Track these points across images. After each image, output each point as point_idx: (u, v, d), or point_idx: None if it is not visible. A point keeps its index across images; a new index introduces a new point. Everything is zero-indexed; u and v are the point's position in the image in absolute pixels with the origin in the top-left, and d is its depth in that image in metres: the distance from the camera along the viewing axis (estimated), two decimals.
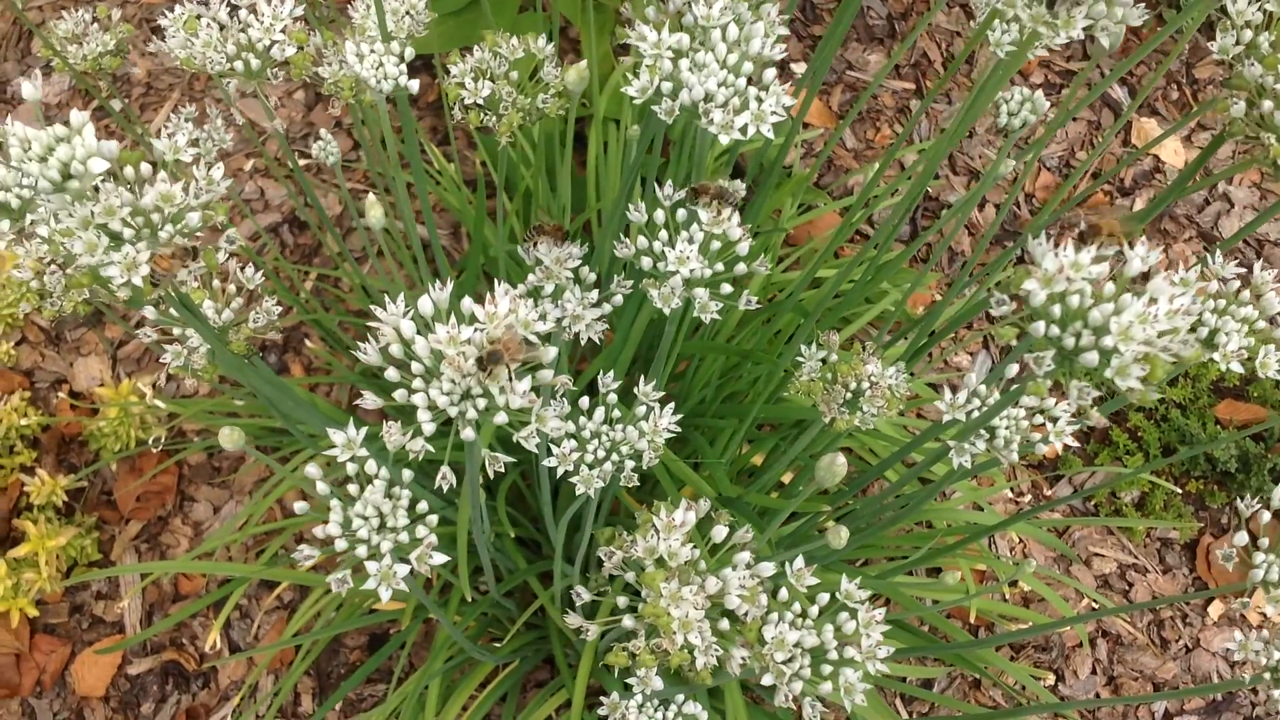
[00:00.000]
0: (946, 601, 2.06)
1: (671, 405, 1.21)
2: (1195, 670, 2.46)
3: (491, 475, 0.97)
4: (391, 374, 0.91)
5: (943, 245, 1.73)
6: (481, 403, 0.91)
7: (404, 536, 1.01)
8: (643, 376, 1.23)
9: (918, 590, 2.12)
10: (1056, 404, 1.21)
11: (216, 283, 1.26)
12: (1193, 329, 1.16)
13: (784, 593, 1.07)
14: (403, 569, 0.99)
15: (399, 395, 0.90)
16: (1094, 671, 2.45)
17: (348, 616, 2.13)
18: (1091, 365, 0.90)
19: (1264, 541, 1.23)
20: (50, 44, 1.60)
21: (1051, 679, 2.43)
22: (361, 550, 1.01)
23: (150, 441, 2.10)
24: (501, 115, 1.30)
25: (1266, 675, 1.38)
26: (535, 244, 1.23)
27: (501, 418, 0.91)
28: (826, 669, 1.03)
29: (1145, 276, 0.94)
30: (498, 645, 2.03)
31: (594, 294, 1.24)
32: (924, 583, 2.17)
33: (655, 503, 1.05)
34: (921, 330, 1.80)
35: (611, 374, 1.21)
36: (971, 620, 2.35)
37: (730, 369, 2.15)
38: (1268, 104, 1.03)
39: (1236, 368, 1.15)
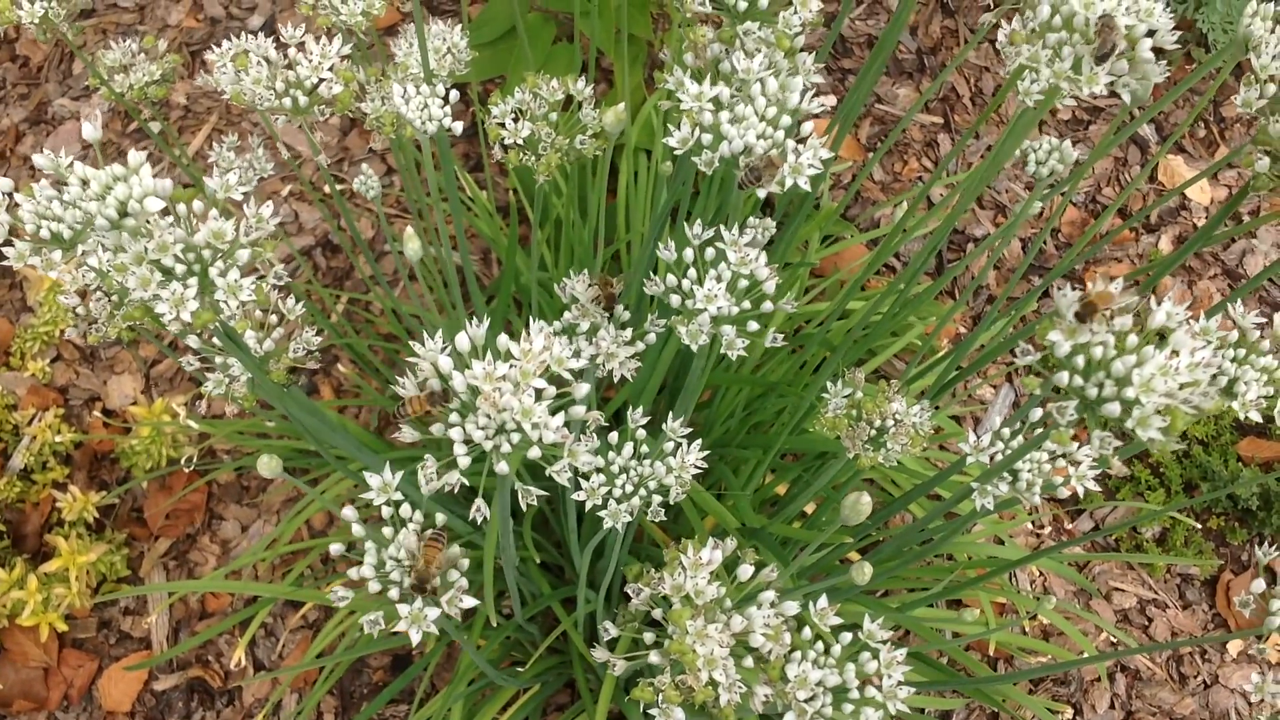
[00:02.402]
0: (967, 635, 2.07)
1: (699, 441, 1.24)
2: (1213, 706, 2.46)
3: (525, 507, 0.99)
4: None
5: (974, 285, 1.75)
6: (516, 437, 0.93)
7: (436, 580, 1.03)
8: (670, 411, 1.25)
9: (938, 622, 2.13)
10: (1079, 448, 1.23)
11: (258, 313, 1.29)
12: (1212, 379, 1.18)
13: (807, 629, 1.09)
14: (433, 612, 1.02)
15: (436, 429, 0.93)
16: (1112, 706, 2.45)
17: (371, 638, 2.15)
18: (1113, 416, 0.92)
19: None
20: (98, 73, 1.64)
21: (1070, 713, 2.43)
22: (394, 593, 1.04)
23: (182, 461, 2.13)
24: (540, 155, 1.33)
25: None
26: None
27: (535, 452, 0.94)
28: (848, 708, 1.05)
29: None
30: (520, 670, 2.05)
31: (627, 332, 1.27)
32: (944, 615, 2.18)
33: (683, 540, 1.07)
34: (949, 365, 1.82)
35: (640, 410, 1.23)
36: (991, 653, 2.36)
37: (755, 399, 2.17)
38: None
39: (1255, 416, 1.17)
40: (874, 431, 1.43)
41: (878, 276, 2.69)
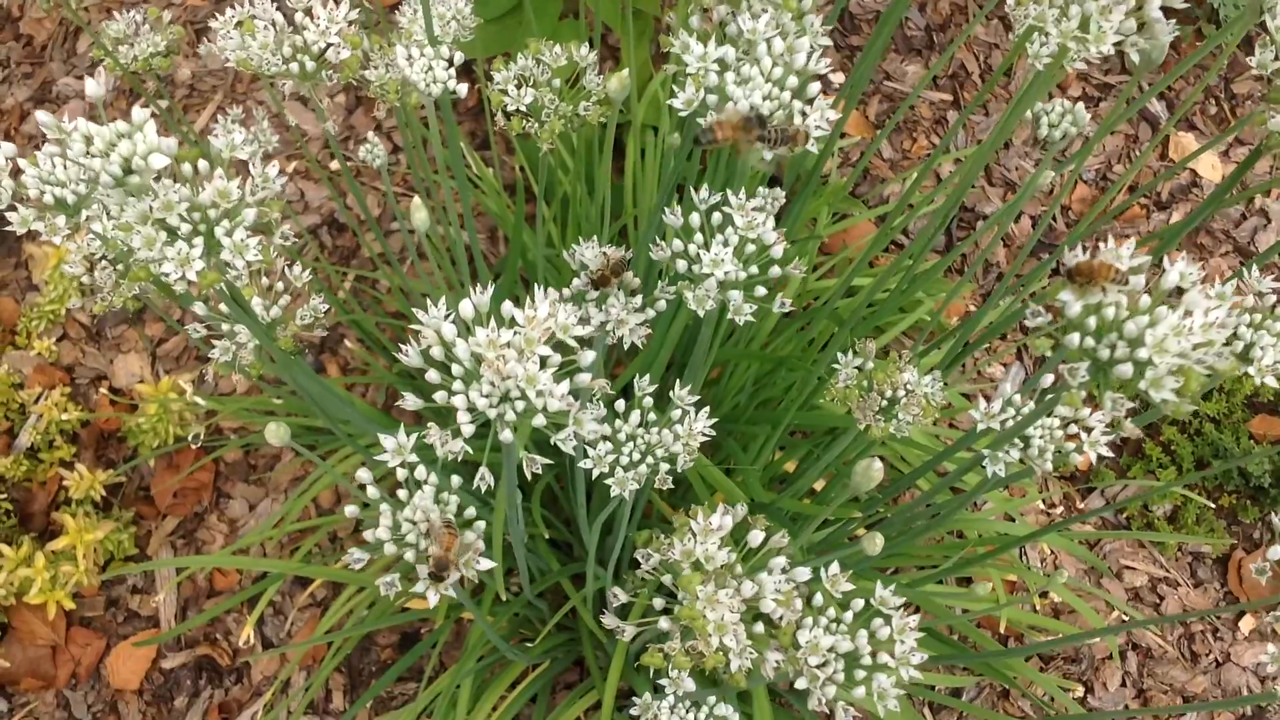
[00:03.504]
0: (977, 611, 2.07)
1: (706, 409, 1.23)
2: (1226, 685, 2.45)
3: (529, 477, 0.98)
4: (432, 376, 0.93)
5: (980, 258, 1.74)
6: (520, 405, 0.92)
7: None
8: (678, 381, 1.24)
9: (949, 599, 2.12)
10: (1091, 414, 1.22)
11: (265, 280, 1.28)
12: (1228, 343, 1.17)
13: (818, 598, 1.08)
14: (452, 574, 1.01)
15: (439, 397, 0.92)
16: (1124, 684, 2.44)
17: (380, 614, 2.15)
18: (1126, 377, 0.90)
19: None
20: (102, 44, 1.63)
21: (1081, 691, 2.43)
22: (410, 555, 1.03)
23: (189, 438, 2.13)
24: (543, 122, 1.32)
25: None
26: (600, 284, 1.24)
27: (540, 420, 0.93)
28: (860, 674, 1.04)
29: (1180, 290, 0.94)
30: (529, 645, 2.04)
31: (637, 299, 1.26)
32: (955, 592, 2.18)
33: (693, 507, 1.06)
34: (958, 340, 1.81)
35: (647, 378, 1.22)
36: (1002, 630, 2.35)
37: (764, 376, 2.16)
38: None
39: (1271, 382, 1.16)
40: (885, 402, 1.42)
41: (885, 254, 2.68)
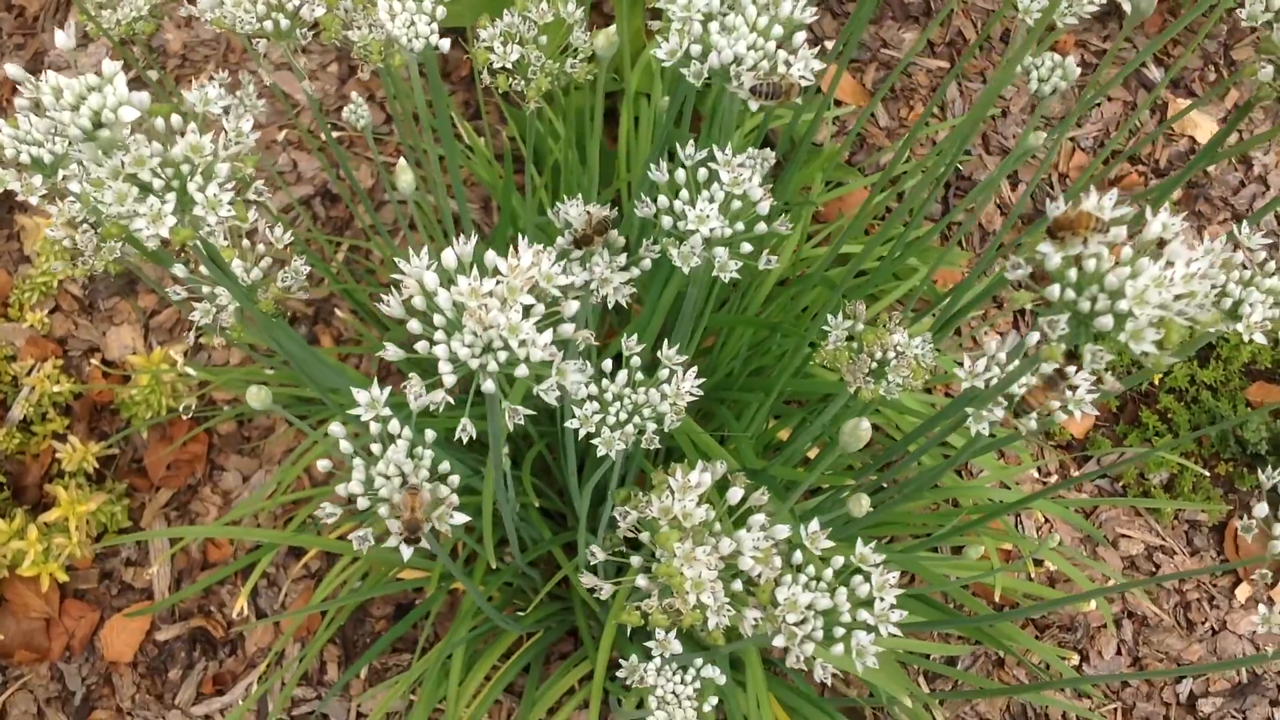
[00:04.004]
0: (967, 577, 2.06)
1: (694, 370, 1.22)
2: (1221, 653, 2.45)
3: (511, 427, 0.97)
4: (414, 326, 0.92)
5: (970, 221, 1.73)
6: (503, 355, 0.91)
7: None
8: (665, 341, 1.23)
9: (941, 566, 2.12)
10: (1076, 372, 1.20)
11: (246, 243, 1.27)
12: (1216, 300, 1.16)
13: (798, 556, 1.07)
14: (422, 531, 1.00)
15: (420, 347, 0.91)
16: (1119, 652, 2.44)
17: (373, 584, 2.14)
18: (1106, 329, 0.90)
19: None
20: (85, 9, 1.62)
21: (1076, 659, 2.42)
22: (384, 509, 1.02)
23: (180, 409, 2.12)
24: (530, 80, 1.31)
25: None
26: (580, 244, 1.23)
27: (523, 370, 0.92)
28: (839, 632, 1.04)
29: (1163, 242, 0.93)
30: (521, 615, 2.04)
31: (622, 258, 1.25)
32: (948, 559, 2.17)
33: (672, 464, 1.05)
34: (949, 305, 1.80)
35: (635, 337, 1.22)
36: (996, 598, 2.35)
37: (757, 344, 2.16)
38: None
39: (1260, 338, 1.15)
40: (875, 364, 1.42)
41: (881, 221, 2.66)
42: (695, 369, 1.21)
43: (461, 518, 1.01)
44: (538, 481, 2.08)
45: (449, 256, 0.92)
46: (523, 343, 0.91)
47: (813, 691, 2.10)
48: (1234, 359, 2.58)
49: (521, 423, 0.98)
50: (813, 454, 2.22)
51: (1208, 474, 2.54)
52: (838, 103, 2.78)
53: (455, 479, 1.04)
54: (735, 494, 1.06)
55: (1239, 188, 2.80)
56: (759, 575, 1.03)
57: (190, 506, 2.45)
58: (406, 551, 0.99)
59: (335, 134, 2.74)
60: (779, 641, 1.02)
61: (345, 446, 1.04)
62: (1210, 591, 2.50)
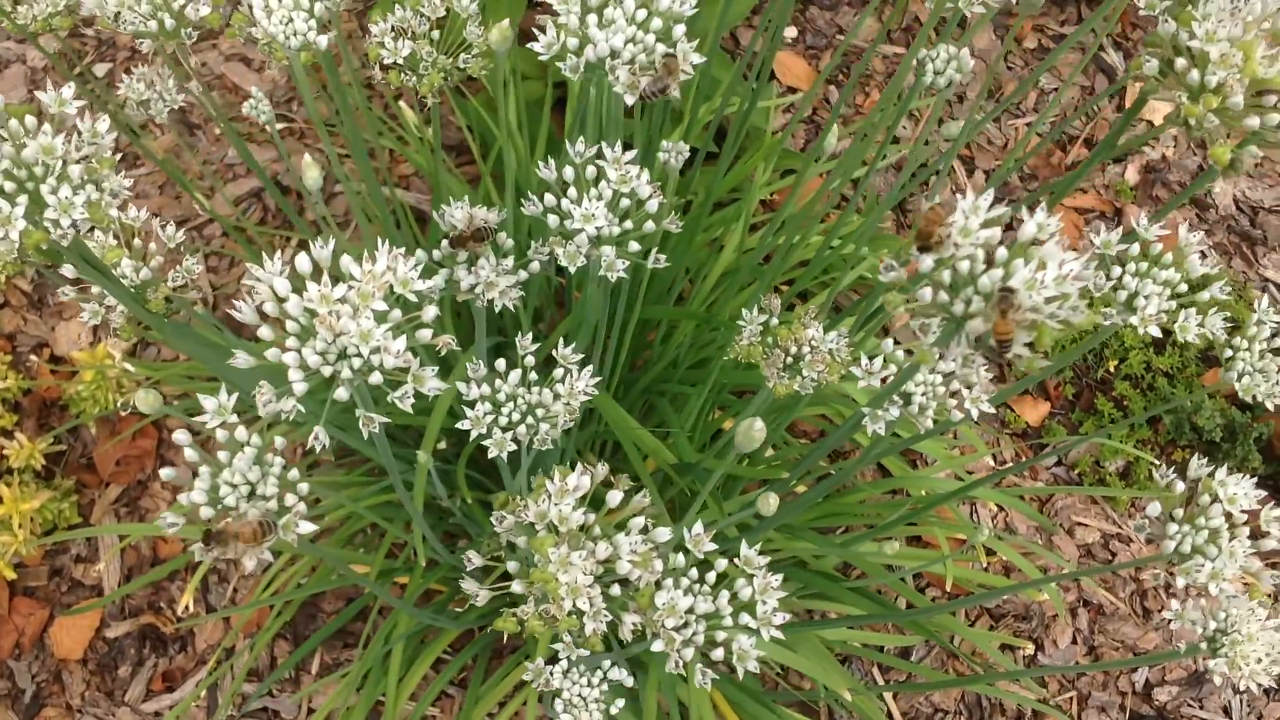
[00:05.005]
0: (914, 567, 2.05)
1: (590, 368, 1.20)
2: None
3: (366, 436, 0.95)
4: (264, 333, 0.90)
5: (884, 202, 1.71)
6: (357, 362, 0.90)
7: (273, 505, 1.01)
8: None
9: (883, 558, 2.10)
10: (975, 370, 1.19)
11: (137, 241, 1.26)
12: (1114, 290, 1.14)
13: (680, 559, 1.06)
14: (267, 542, 0.99)
15: (272, 354, 0.89)
16: (1074, 641, 2.43)
17: (320, 579, 2.13)
18: (979, 332, 0.88)
19: (1178, 512, 1.22)
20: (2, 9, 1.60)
21: (1031, 648, 2.41)
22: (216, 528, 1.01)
23: (118, 404, 2.10)
24: (421, 76, 1.29)
25: (1203, 645, 1.37)
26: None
27: (377, 378, 0.90)
28: (722, 635, 1.02)
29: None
30: (460, 612, 2.03)
31: (509, 261, 1.23)
32: (901, 552, 2.15)
33: (555, 467, 1.04)
34: (869, 300, 1.78)
35: (530, 336, 1.20)
36: (948, 588, 2.33)
37: (701, 336, 2.14)
38: (1181, 61, 1.00)
39: (1155, 331, 1.13)
40: (789, 359, 1.40)
41: (837, 210, 2.64)
42: (590, 368, 1.19)
43: (309, 526, 0.99)
44: (483, 477, 2.07)
45: (303, 262, 0.90)
46: (375, 350, 0.89)
47: (757, 686, 2.09)
48: (1190, 345, 2.56)
49: (377, 430, 0.96)
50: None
51: (1158, 464, 2.52)
52: (792, 90, 2.76)
53: (304, 487, 1.02)
54: (614, 497, 1.04)
55: (1197, 173, 2.78)
56: (639, 579, 1.01)
57: (140, 502, 2.44)
58: (249, 564, 0.98)
59: (283, 126, 2.72)
60: (657, 646, 1.01)
61: (191, 455, 1.02)
62: (1169, 580, 2.48)
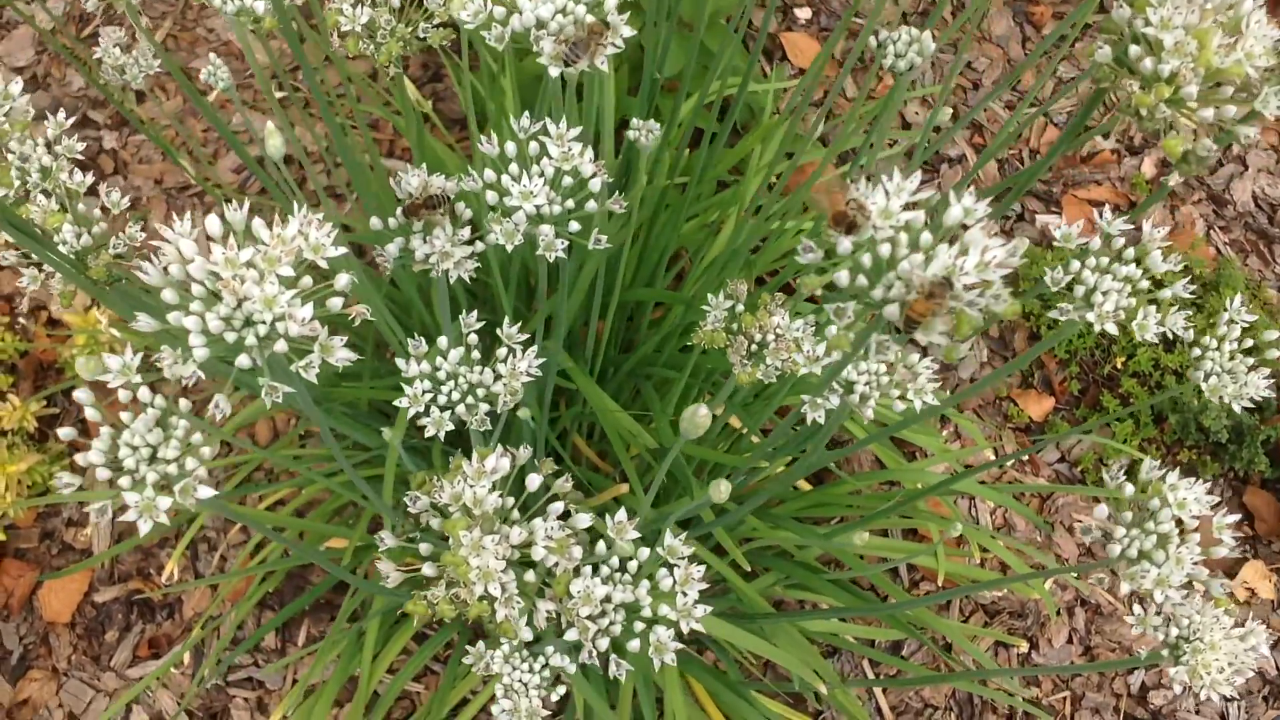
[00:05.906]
0: (899, 558, 2.02)
1: (534, 349, 1.18)
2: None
3: (269, 405, 0.93)
4: (168, 295, 0.88)
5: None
6: (262, 329, 0.87)
7: (173, 469, 0.99)
8: (507, 318, 1.19)
9: (859, 548, 2.07)
10: (920, 360, 1.16)
11: (81, 207, 1.24)
12: (1070, 287, 1.11)
13: (600, 547, 1.03)
14: (165, 502, 0.97)
15: (173, 317, 0.87)
16: (1070, 641, 2.39)
17: (306, 551, 2.12)
18: (894, 319, 0.85)
19: (1125, 516, 1.19)
20: None
21: (1025, 647, 2.37)
22: (125, 481, 0.99)
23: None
24: (380, 44, 1.27)
25: (1165, 652, 1.33)
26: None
27: (282, 345, 0.88)
28: (640, 626, 0.99)
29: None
30: None
31: (465, 232, 1.20)
32: (879, 542, 2.12)
33: (476, 449, 1.01)
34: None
35: (475, 314, 1.18)
36: (940, 583, 2.30)
37: (688, 319, 2.11)
38: (1135, 49, 0.96)
39: (1112, 329, 1.10)
40: (754, 346, 1.37)
41: None
42: (534, 349, 1.17)
43: (209, 491, 0.97)
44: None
45: (213, 224, 0.88)
46: (280, 317, 0.87)
47: (738, 677, 2.07)
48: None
49: (280, 401, 0.94)
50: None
51: (1158, 464, 2.46)
52: (803, 71, 2.72)
53: (207, 451, 1.00)
54: (534, 480, 1.01)
55: (1216, 167, 2.72)
56: (555, 565, 0.99)
57: None
58: (145, 527, 0.96)
59: (298, 94, 2.71)
60: (571, 635, 0.98)
61: (92, 414, 1.01)
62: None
